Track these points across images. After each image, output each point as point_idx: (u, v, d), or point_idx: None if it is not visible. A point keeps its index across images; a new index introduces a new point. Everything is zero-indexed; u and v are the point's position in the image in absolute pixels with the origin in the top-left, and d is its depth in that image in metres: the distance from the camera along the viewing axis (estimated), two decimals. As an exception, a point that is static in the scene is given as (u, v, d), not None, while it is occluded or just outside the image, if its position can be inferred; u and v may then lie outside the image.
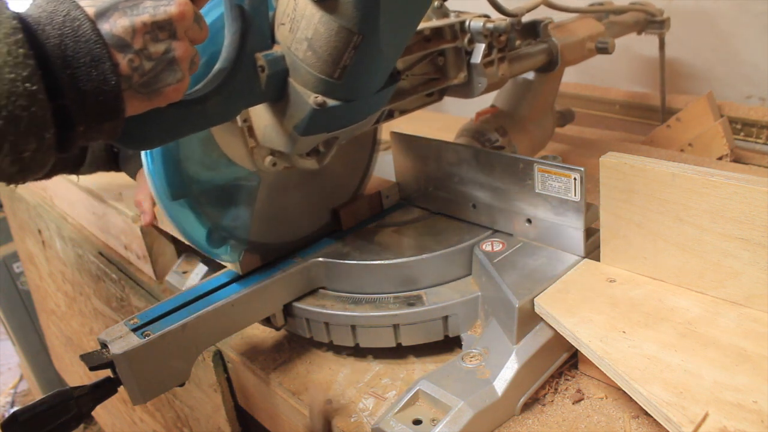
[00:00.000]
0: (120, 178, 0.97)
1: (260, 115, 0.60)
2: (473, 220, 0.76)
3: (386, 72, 0.59)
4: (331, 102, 0.55)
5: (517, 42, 0.84)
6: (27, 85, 0.39)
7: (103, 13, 0.44)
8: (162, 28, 0.45)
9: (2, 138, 0.39)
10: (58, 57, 0.41)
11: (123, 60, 0.44)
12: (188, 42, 0.48)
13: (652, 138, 1.19)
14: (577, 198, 0.64)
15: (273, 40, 0.56)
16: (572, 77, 1.40)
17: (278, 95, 0.56)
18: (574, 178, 0.63)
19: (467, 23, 0.75)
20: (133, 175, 0.92)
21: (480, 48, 0.76)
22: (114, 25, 0.44)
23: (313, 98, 0.55)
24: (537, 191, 0.67)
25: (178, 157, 0.62)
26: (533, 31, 0.87)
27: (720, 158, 1.10)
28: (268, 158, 0.64)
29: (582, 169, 0.63)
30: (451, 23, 0.74)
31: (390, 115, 0.75)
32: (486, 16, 0.77)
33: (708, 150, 1.12)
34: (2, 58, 0.39)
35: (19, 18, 0.40)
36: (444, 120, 1.39)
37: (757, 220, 0.53)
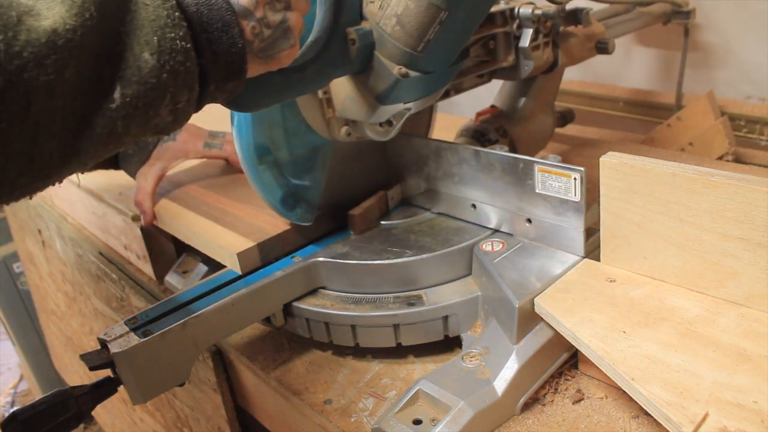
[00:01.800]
0: (120, 178, 0.97)
1: (340, 86, 0.66)
2: (473, 220, 0.76)
3: (460, 48, 0.65)
4: (412, 73, 0.61)
5: (561, 28, 0.89)
6: (183, 43, 0.45)
7: None
8: (279, 0, 0.51)
9: (165, 89, 0.44)
10: (197, 22, 0.46)
11: (247, 27, 0.49)
12: (299, 13, 0.53)
13: (653, 137, 1.19)
14: (577, 198, 0.64)
15: (361, 17, 0.61)
16: (575, 75, 1.40)
17: (364, 67, 0.62)
18: (574, 178, 0.63)
19: (516, 10, 0.81)
20: (133, 174, 0.92)
21: (528, 33, 0.82)
22: None
23: (397, 69, 0.61)
24: (537, 191, 0.67)
25: (265, 122, 0.68)
26: (576, 17, 0.91)
27: (720, 157, 1.10)
28: (344, 128, 0.70)
29: (582, 169, 0.63)
30: (502, 10, 0.81)
31: (446, 94, 0.79)
32: (531, 3, 0.83)
33: (709, 149, 1.12)
34: (163, 20, 0.44)
35: None
36: (444, 120, 1.38)
37: (757, 220, 0.53)
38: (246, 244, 0.73)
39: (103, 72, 0.42)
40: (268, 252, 0.74)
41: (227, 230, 0.78)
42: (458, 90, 0.82)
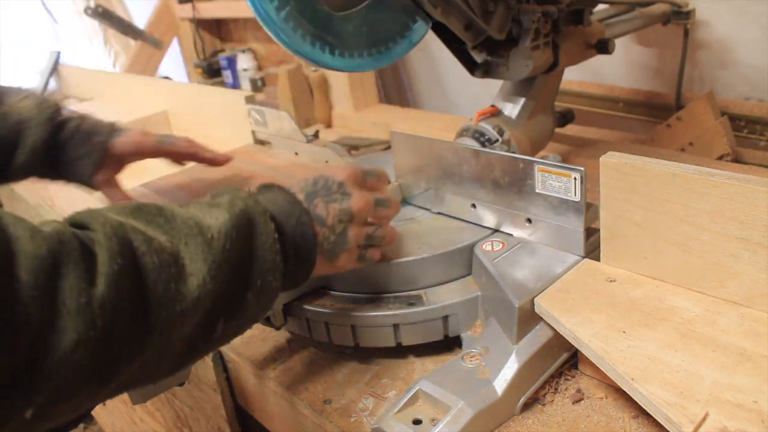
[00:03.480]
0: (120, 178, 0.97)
1: None
2: (473, 220, 0.76)
3: None
4: None
5: (561, 28, 0.88)
6: (276, 284, 0.53)
7: (309, 197, 0.59)
8: (341, 221, 0.60)
9: (257, 317, 0.54)
10: (292, 252, 0.56)
11: (319, 231, 0.58)
12: (362, 226, 0.62)
13: (653, 137, 1.19)
14: (577, 198, 0.64)
15: None
16: (575, 75, 1.40)
17: None
18: (574, 178, 0.63)
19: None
20: (86, 179, 0.88)
21: (528, 32, 0.81)
22: (316, 207, 0.59)
23: None
24: (537, 191, 0.67)
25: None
26: (578, 17, 0.90)
27: (720, 157, 1.10)
28: None
29: (582, 169, 0.63)
30: None
31: (429, 16, 0.75)
32: (531, 2, 0.82)
33: (709, 149, 1.12)
34: (268, 264, 0.52)
35: (273, 221, 0.53)
36: (444, 120, 1.38)
37: (757, 220, 0.53)
38: (246, 244, 0.73)
39: (214, 313, 0.48)
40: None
41: (227, 230, 0.78)
42: (441, 23, 0.76)
